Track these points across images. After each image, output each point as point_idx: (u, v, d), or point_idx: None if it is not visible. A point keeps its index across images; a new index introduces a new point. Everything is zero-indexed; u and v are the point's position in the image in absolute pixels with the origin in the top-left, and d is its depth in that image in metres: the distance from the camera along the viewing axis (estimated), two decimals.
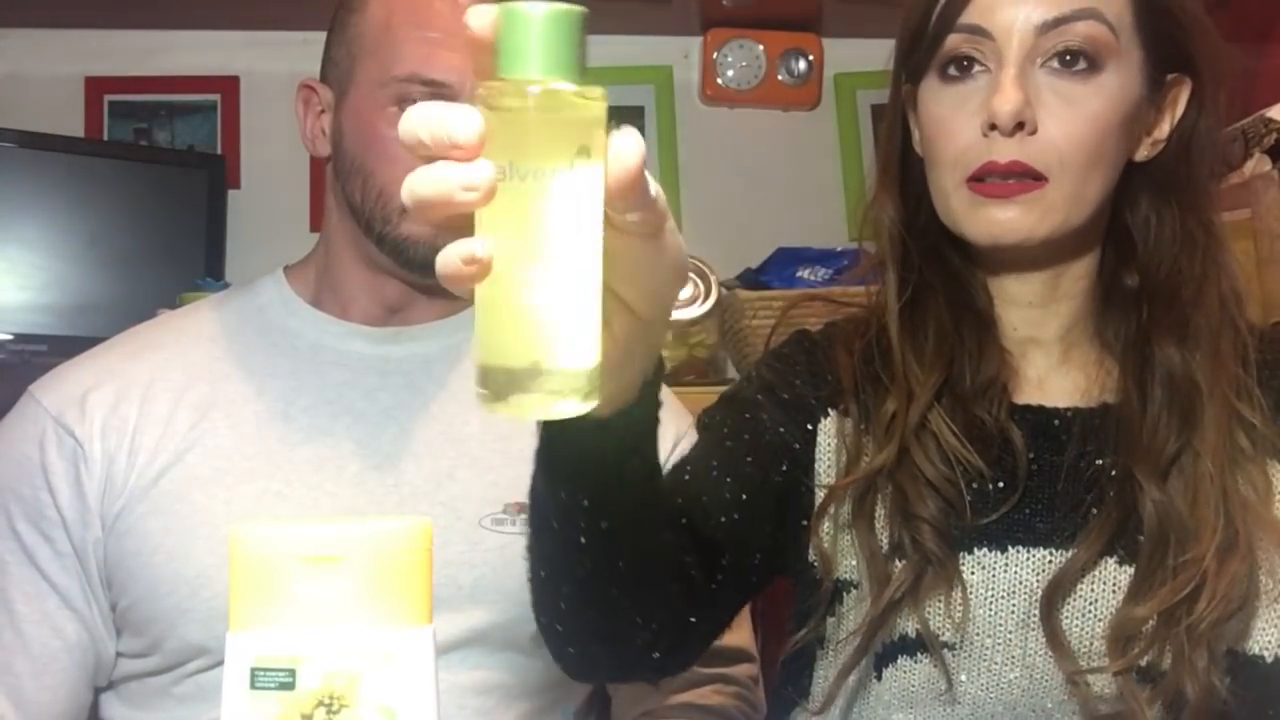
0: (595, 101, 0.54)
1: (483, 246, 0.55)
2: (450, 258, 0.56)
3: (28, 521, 1.16)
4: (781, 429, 1.02)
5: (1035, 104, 0.95)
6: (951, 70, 0.98)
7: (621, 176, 0.55)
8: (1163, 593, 0.92)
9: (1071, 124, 0.95)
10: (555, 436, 0.73)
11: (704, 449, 1.00)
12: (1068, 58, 0.95)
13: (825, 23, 2.02)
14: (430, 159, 0.56)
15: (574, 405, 0.56)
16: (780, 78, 2.03)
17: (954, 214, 0.99)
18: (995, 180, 0.96)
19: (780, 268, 1.83)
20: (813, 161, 2.07)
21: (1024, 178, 0.95)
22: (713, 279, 1.78)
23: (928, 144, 1.01)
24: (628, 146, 0.55)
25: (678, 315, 1.77)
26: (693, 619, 0.89)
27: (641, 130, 2.03)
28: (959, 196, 0.98)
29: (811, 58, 2.03)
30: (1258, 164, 1.48)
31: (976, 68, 0.97)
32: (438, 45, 1.18)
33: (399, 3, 1.20)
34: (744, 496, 0.97)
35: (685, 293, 1.78)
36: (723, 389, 1.72)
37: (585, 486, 0.74)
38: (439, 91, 1.17)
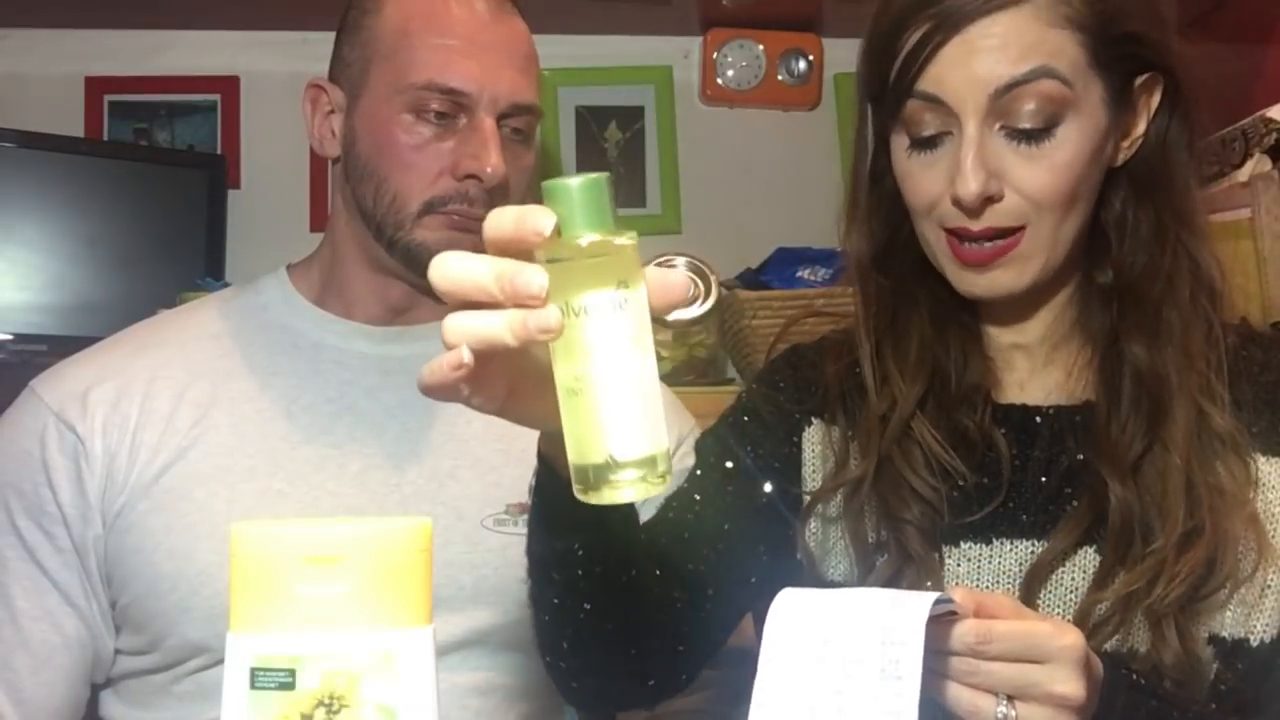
0: (628, 243, 0.66)
1: (467, 353, 0.67)
2: (441, 370, 0.69)
3: (28, 517, 1.16)
4: (762, 449, 1.05)
5: (999, 167, 0.95)
6: (916, 137, 0.98)
7: (668, 304, 0.69)
8: (1122, 580, 0.94)
9: (1040, 179, 0.95)
10: (546, 497, 0.84)
11: (688, 484, 1.05)
12: (1021, 130, 0.94)
13: (825, 23, 2.02)
14: (476, 304, 0.67)
15: (649, 487, 0.67)
16: (780, 78, 2.03)
17: (939, 263, 1.01)
18: (972, 245, 0.97)
19: (780, 268, 1.82)
20: (813, 161, 2.06)
21: (1000, 237, 0.96)
22: (713, 279, 1.78)
23: (902, 190, 1.01)
24: (677, 281, 0.69)
25: (678, 315, 1.77)
26: (681, 648, 0.97)
27: (641, 130, 2.04)
28: (942, 249, 0.99)
29: (811, 58, 2.03)
30: (1258, 164, 1.48)
31: (939, 134, 0.97)
32: (455, 53, 1.18)
33: (417, 8, 1.20)
34: (726, 526, 1.01)
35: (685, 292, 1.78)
36: (723, 389, 1.73)
37: (576, 536, 0.85)
38: (456, 99, 1.17)
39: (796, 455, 1.06)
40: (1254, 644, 0.96)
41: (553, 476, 0.81)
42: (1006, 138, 0.95)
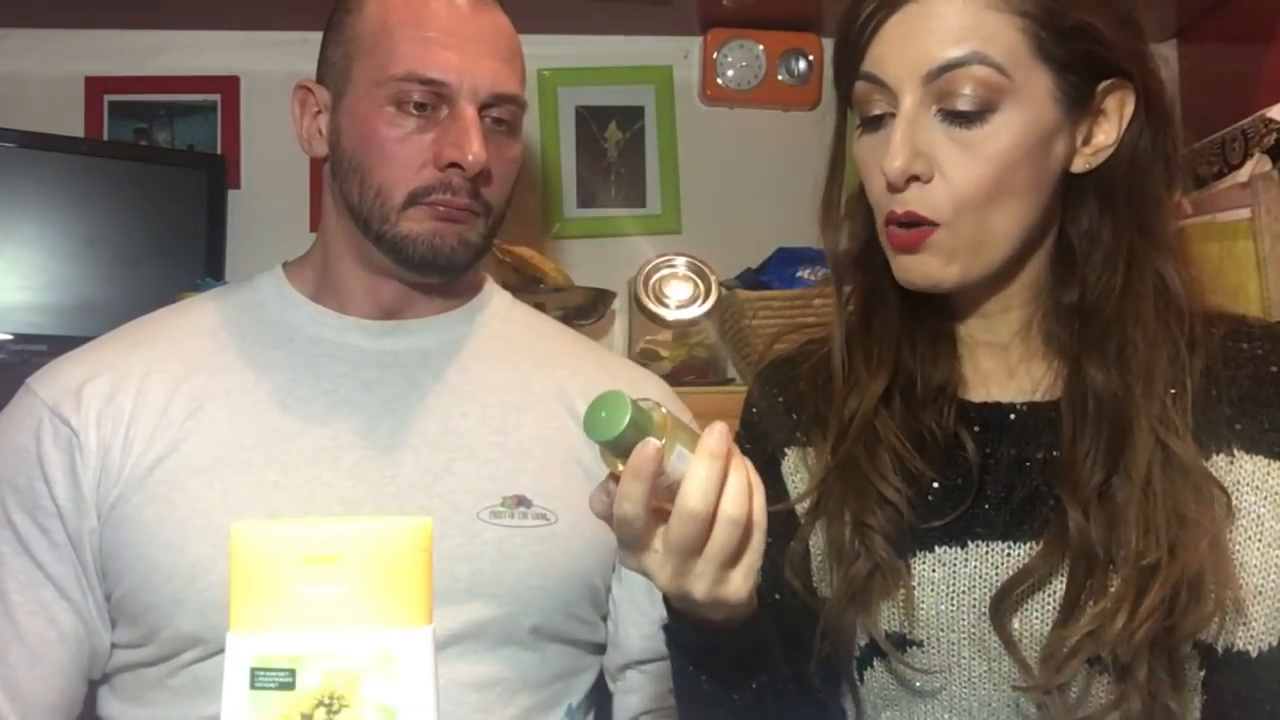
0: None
1: None
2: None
3: (24, 512, 1.16)
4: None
5: (931, 151, 0.94)
6: (863, 117, 0.99)
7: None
8: (1087, 615, 0.93)
9: (969, 168, 0.94)
10: (717, 651, 0.94)
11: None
12: (953, 114, 0.94)
13: (825, 23, 2.01)
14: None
15: None
16: (780, 78, 2.03)
17: (887, 254, 1.01)
18: (900, 228, 0.97)
19: (780, 268, 1.82)
20: (813, 161, 2.05)
21: (919, 225, 0.96)
22: (713, 279, 1.78)
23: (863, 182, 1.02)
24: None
25: (678, 315, 1.77)
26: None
27: (641, 130, 2.04)
28: (885, 238, 1.00)
29: (811, 58, 2.03)
30: (1258, 164, 1.48)
31: (883, 115, 0.97)
32: (435, 44, 1.18)
33: (396, 2, 1.21)
34: (776, 596, 1.04)
35: (685, 293, 1.78)
36: (723, 389, 1.73)
37: (756, 668, 0.96)
38: (436, 90, 1.18)
39: (783, 491, 1.07)
40: (1253, 654, 0.95)
41: (711, 633, 0.91)
42: (941, 120, 0.94)
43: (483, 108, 1.19)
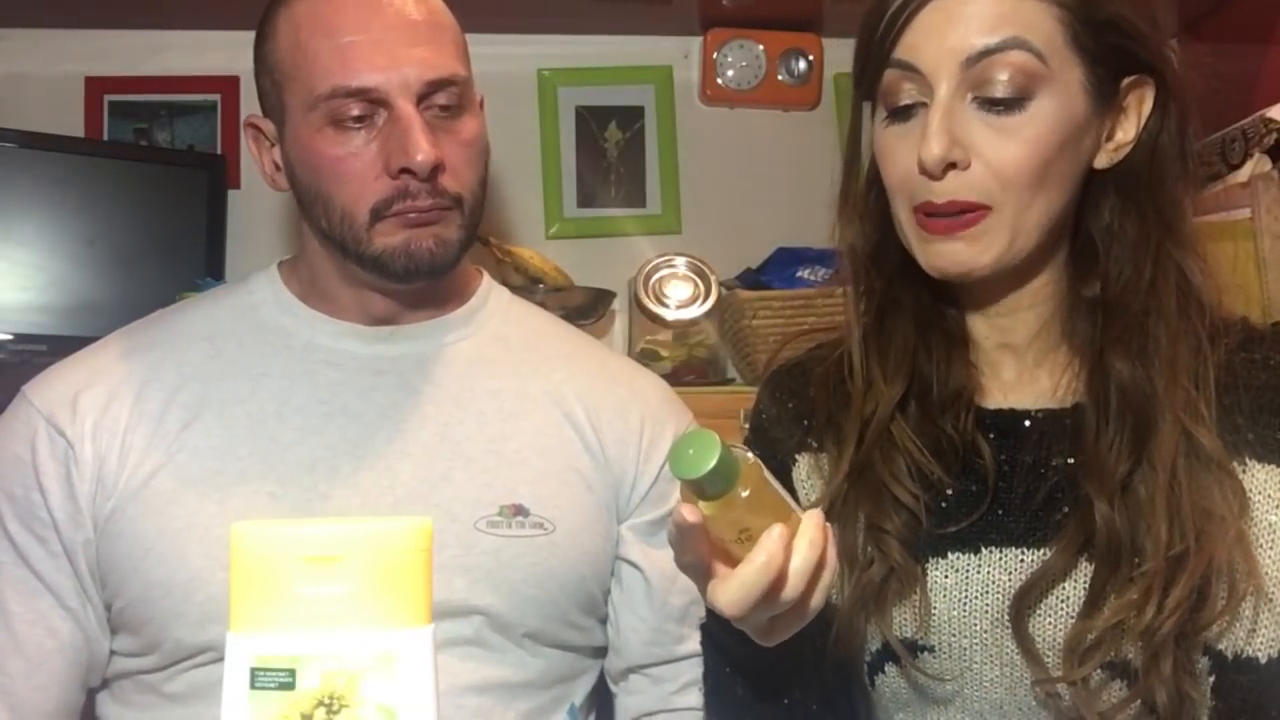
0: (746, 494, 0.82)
1: None
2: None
3: (20, 522, 1.16)
4: None
5: (967, 138, 0.94)
6: (891, 107, 0.98)
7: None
8: (1111, 608, 0.93)
9: (1007, 154, 0.94)
10: (757, 661, 0.93)
11: None
12: (990, 101, 0.94)
13: (825, 23, 2.01)
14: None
15: None
16: (780, 78, 2.03)
17: (909, 243, 1.00)
18: (938, 217, 0.96)
19: (780, 268, 1.83)
20: (813, 161, 2.05)
21: (964, 212, 0.95)
22: (713, 279, 1.78)
23: (880, 169, 1.01)
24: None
25: (678, 315, 1.77)
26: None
27: (641, 130, 2.03)
28: (910, 226, 0.99)
29: (811, 58, 2.03)
30: (1258, 164, 1.48)
31: (914, 104, 0.96)
32: (352, 49, 1.14)
33: (304, 17, 1.17)
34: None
35: (685, 293, 1.78)
36: (723, 389, 1.73)
37: (789, 683, 0.97)
38: (367, 97, 1.13)
39: (795, 499, 1.07)
40: (1263, 660, 0.95)
41: (749, 643, 0.89)
42: (978, 108, 0.94)
43: (421, 99, 1.15)
